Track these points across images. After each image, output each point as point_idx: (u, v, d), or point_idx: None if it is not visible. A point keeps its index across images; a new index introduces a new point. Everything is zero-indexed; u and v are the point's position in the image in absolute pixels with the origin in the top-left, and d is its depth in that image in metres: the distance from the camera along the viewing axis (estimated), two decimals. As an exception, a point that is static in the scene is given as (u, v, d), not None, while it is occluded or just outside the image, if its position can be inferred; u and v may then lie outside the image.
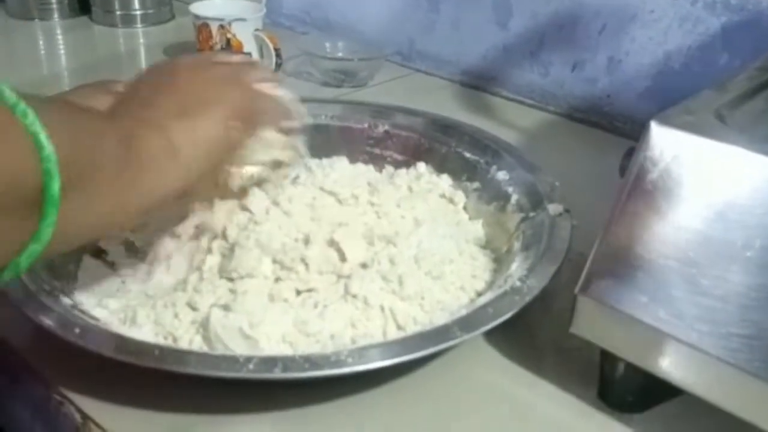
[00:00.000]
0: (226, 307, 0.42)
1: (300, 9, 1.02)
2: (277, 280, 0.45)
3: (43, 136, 0.29)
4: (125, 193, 0.36)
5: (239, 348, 0.40)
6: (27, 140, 0.29)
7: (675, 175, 0.35)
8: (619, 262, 0.37)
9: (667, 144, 0.35)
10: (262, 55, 0.82)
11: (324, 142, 0.59)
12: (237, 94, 0.44)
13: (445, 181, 0.58)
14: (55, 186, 0.29)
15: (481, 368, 0.44)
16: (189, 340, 0.42)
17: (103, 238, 0.48)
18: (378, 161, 0.61)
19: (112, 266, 0.49)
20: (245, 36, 0.82)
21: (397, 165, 0.61)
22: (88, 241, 0.44)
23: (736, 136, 0.35)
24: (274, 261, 0.45)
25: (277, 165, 0.47)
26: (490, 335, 0.45)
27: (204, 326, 0.42)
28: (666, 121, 0.36)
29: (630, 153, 0.38)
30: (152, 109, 0.40)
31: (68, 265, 0.48)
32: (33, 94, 0.30)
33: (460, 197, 0.57)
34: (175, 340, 0.42)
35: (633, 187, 0.36)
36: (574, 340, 0.39)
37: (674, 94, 0.41)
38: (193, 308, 0.43)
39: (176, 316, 0.42)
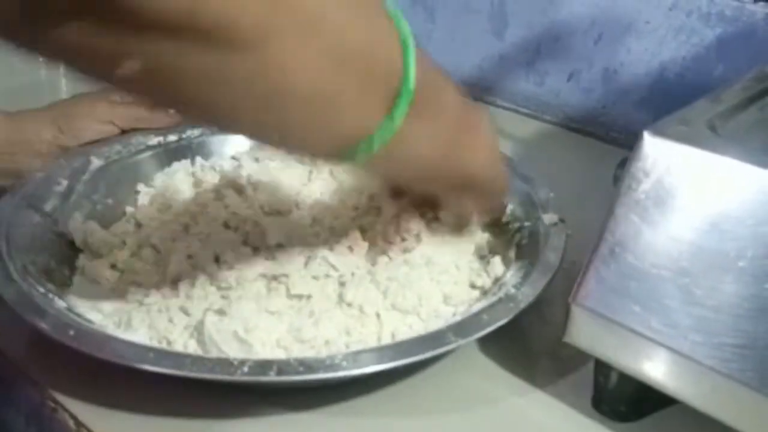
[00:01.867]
0: (220, 312, 0.42)
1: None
2: (270, 285, 0.45)
3: (411, 48, 0.33)
4: (451, 150, 0.40)
5: (233, 351, 0.40)
6: (399, 53, 0.33)
7: (668, 186, 0.35)
8: (612, 272, 0.37)
9: (659, 154, 0.36)
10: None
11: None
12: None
13: None
14: (411, 79, 0.33)
15: (474, 376, 0.44)
16: (183, 343, 0.42)
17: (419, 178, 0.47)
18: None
19: (112, 268, 0.49)
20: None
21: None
22: (406, 175, 0.44)
23: (727, 147, 0.35)
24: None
25: None
26: (484, 344, 0.45)
27: (198, 330, 0.42)
28: (659, 132, 0.36)
29: (623, 163, 0.38)
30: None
31: (63, 269, 0.48)
32: None
33: None
34: (169, 343, 0.42)
35: (626, 197, 0.36)
36: (568, 349, 0.39)
37: (669, 105, 0.41)
38: (187, 314, 0.43)
39: (170, 320, 0.42)
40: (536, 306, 0.43)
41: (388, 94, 0.33)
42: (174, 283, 0.45)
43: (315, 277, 0.45)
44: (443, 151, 0.40)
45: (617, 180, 0.38)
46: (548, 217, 0.50)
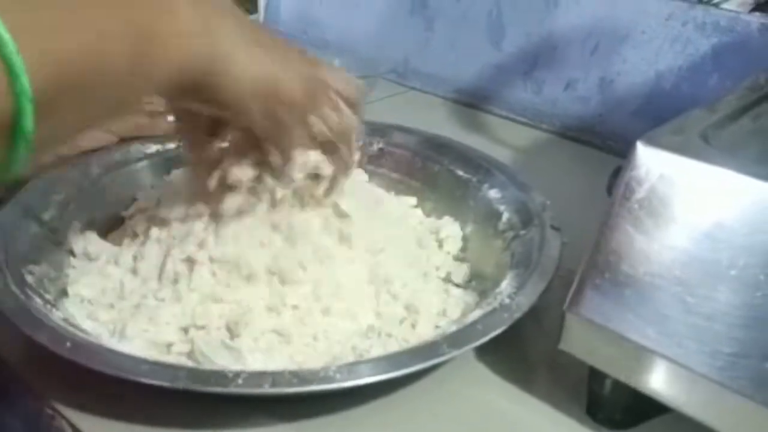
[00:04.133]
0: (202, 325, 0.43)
1: (297, 27, 1.03)
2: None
3: (18, 66, 0.25)
4: (135, 89, 0.34)
5: (224, 360, 0.40)
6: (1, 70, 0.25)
7: (660, 195, 0.36)
8: (606, 280, 0.37)
9: (652, 164, 0.36)
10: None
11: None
12: (317, 74, 0.43)
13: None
14: (28, 122, 0.26)
15: (471, 385, 0.44)
16: (178, 350, 0.42)
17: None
18: (372, 179, 0.62)
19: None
20: (242, 54, 0.82)
21: (389, 185, 0.61)
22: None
23: (719, 157, 0.35)
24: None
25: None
26: (480, 352, 0.46)
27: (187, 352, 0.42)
28: (652, 142, 0.37)
29: (617, 172, 0.38)
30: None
31: (61, 278, 0.48)
32: None
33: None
34: (167, 347, 0.42)
35: (619, 205, 0.37)
36: (565, 357, 0.39)
37: (665, 113, 0.42)
38: (179, 322, 0.43)
39: (167, 323, 0.43)
40: (533, 314, 0.44)
41: (7, 135, 0.27)
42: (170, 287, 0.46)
43: None
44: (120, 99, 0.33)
45: (611, 189, 0.39)
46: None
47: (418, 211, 0.59)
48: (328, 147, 0.46)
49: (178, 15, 0.35)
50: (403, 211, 0.58)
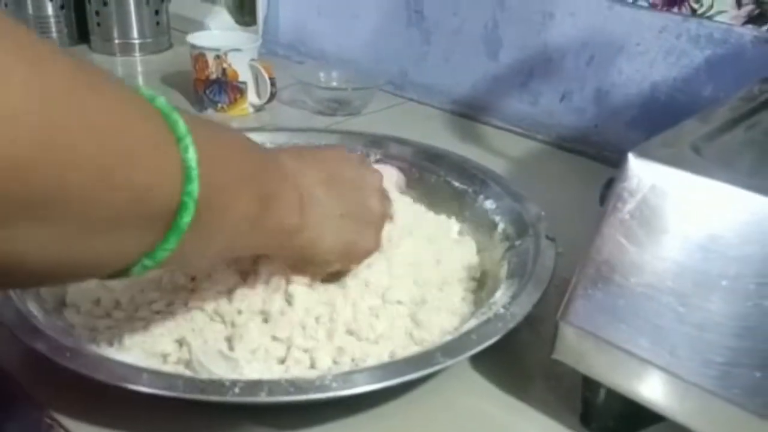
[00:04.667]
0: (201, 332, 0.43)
1: (295, 39, 1.04)
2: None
3: (195, 173, 0.29)
4: (248, 241, 0.38)
5: (221, 370, 0.40)
6: (179, 170, 0.29)
7: (652, 206, 0.36)
8: (598, 290, 0.37)
9: (644, 175, 0.36)
10: (257, 84, 0.84)
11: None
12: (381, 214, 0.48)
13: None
14: (186, 219, 0.29)
15: (466, 394, 0.44)
16: (175, 359, 0.42)
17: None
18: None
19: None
20: (241, 66, 0.83)
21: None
22: (195, 265, 0.46)
23: (710, 169, 0.36)
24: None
25: None
26: (476, 362, 0.46)
27: (185, 361, 0.42)
28: (643, 153, 0.37)
29: (610, 183, 0.39)
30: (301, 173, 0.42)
31: (60, 287, 0.48)
32: (195, 116, 0.32)
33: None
34: (163, 356, 0.43)
35: (611, 216, 0.37)
36: (559, 366, 0.40)
37: (660, 124, 0.42)
38: (176, 332, 0.44)
39: (161, 335, 0.43)
40: (529, 323, 0.44)
41: (164, 222, 0.30)
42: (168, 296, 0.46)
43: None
44: (242, 244, 0.39)
45: (603, 200, 0.39)
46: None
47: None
48: None
49: (286, 189, 0.40)
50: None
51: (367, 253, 0.48)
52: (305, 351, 0.43)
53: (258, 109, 0.86)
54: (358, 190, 0.46)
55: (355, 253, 0.47)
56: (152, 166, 0.28)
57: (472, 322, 0.44)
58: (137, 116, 0.28)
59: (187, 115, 0.30)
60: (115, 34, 1.05)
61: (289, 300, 0.45)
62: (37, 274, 0.28)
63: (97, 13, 1.05)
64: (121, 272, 0.31)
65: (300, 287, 0.45)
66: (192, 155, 0.29)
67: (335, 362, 0.43)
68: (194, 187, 0.29)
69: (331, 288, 0.46)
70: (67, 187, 0.24)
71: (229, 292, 0.45)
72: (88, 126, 0.25)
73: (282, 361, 0.42)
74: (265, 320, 0.44)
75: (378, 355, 0.43)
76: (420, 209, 0.59)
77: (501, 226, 0.54)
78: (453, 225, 0.57)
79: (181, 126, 0.29)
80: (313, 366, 0.43)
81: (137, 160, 0.27)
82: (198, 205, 0.30)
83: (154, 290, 0.47)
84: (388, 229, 0.51)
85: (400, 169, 0.62)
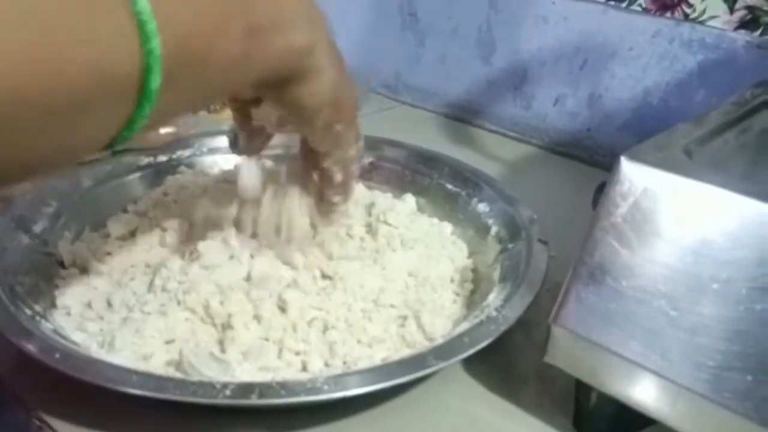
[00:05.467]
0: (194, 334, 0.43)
1: (289, 41, 1.04)
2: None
3: (150, 27, 0.26)
4: (239, 78, 0.34)
5: (212, 372, 0.40)
6: (132, 29, 0.26)
7: (644, 209, 0.36)
8: (591, 294, 0.37)
9: (636, 178, 0.37)
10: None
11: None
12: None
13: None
14: (155, 82, 0.27)
15: (458, 397, 0.44)
16: (166, 361, 0.42)
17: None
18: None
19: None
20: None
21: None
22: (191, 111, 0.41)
23: (701, 172, 0.36)
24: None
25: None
26: (469, 365, 0.46)
27: (176, 363, 0.42)
28: (635, 157, 0.37)
29: (602, 187, 0.39)
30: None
31: (51, 289, 0.48)
32: None
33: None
34: (148, 358, 0.42)
35: (603, 220, 0.37)
36: (552, 370, 0.40)
37: (653, 129, 0.43)
38: (166, 333, 0.44)
39: (152, 336, 0.43)
40: (521, 327, 0.44)
41: (133, 89, 0.27)
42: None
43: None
44: (232, 81, 0.34)
45: (596, 203, 0.39)
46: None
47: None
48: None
49: (291, 8, 0.36)
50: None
51: (352, 107, 0.44)
52: (297, 354, 0.43)
53: (251, 111, 0.85)
54: None
55: (343, 100, 0.43)
56: (99, 32, 0.25)
57: (465, 325, 0.44)
58: None
59: None
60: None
61: (281, 302, 0.45)
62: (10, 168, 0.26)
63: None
64: (104, 148, 0.28)
65: (293, 291, 0.45)
66: (144, 6, 0.26)
67: (327, 365, 0.43)
68: (155, 45, 0.26)
69: (324, 291, 0.46)
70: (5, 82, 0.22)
71: (222, 294, 0.45)
72: (12, 9, 0.22)
73: (274, 364, 0.42)
74: (258, 323, 0.44)
75: (370, 358, 0.43)
76: (413, 212, 0.59)
77: (494, 229, 0.54)
78: (446, 228, 0.57)
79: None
80: (304, 369, 0.42)
81: (79, 31, 0.24)
82: (166, 62, 0.27)
83: (145, 292, 0.47)
84: (383, 233, 0.52)
85: (395, 171, 0.62)
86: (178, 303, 0.45)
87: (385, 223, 0.53)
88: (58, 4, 0.24)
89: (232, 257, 0.48)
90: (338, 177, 0.47)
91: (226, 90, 0.38)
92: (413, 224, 0.55)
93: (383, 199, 0.58)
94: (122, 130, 0.28)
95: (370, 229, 0.54)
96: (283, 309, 0.45)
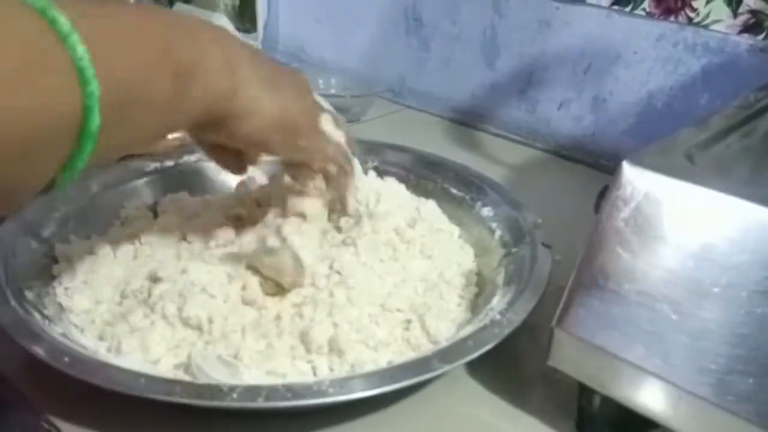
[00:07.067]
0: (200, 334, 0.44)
1: (295, 46, 1.05)
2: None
3: (90, 72, 0.27)
4: (171, 118, 0.36)
5: (221, 375, 0.41)
6: (72, 74, 0.27)
7: (646, 214, 0.36)
8: (593, 298, 0.38)
9: (638, 183, 0.37)
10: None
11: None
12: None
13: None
14: (95, 122, 0.28)
15: (463, 401, 0.44)
16: (174, 365, 0.43)
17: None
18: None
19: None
20: (240, 72, 0.83)
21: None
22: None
23: (702, 177, 0.36)
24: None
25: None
26: (473, 368, 0.46)
27: (185, 366, 0.43)
28: (637, 161, 0.37)
29: (604, 191, 0.39)
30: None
31: (58, 293, 0.48)
32: (79, 1, 0.29)
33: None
34: (156, 362, 0.43)
35: (606, 224, 0.37)
36: (556, 373, 0.40)
37: (657, 132, 0.43)
38: (173, 338, 0.44)
39: (158, 340, 0.43)
40: (525, 330, 0.44)
41: (74, 131, 0.28)
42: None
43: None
44: (166, 122, 0.37)
45: (598, 207, 0.39)
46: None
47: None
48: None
49: (209, 55, 0.38)
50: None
51: (308, 121, 0.46)
52: (304, 358, 0.43)
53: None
54: (288, 74, 0.46)
55: (293, 120, 0.44)
56: (40, 78, 0.26)
57: (469, 329, 0.44)
58: (6, 27, 0.25)
59: (71, 4, 0.28)
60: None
61: (290, 305, 0.45)
62: None
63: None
64: (46, 188, 0.30)
65: (301, 291, 0.46)
66: (82, 53, 0.27)
67: (333, 369, 0.43)
68: (94, 88, 0.27)
69: (332, 295, 0.47)
70: None
71: (229, 300, 0.46)
72: None
73: (281, 368, 0.43)
74: (265, 327, 0.44)
75: (375, 361, 0.44)
76: (418, 215, 0.59)
77: (498, 233, 0.55)
78: (453, 231, 0.58)
79: (63, 23, 0.27)
80: (312, 372, 0.43)
81: (21, 79, 0.25)
82: (104, 104, 0.28)
83: (154, 296, 0.47)
84: (386, 236, 0.52)
85: (399, 176, 0.63)
86: (180, 310, 0.45)
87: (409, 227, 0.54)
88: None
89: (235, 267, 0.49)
90: (332, 169, 0.49)
91: (163, 130, 0.39)
92: (429, 229, 0.55)
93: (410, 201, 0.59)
94: (63, 170, 0.29)
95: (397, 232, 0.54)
96: (290, 308, 0.45)
